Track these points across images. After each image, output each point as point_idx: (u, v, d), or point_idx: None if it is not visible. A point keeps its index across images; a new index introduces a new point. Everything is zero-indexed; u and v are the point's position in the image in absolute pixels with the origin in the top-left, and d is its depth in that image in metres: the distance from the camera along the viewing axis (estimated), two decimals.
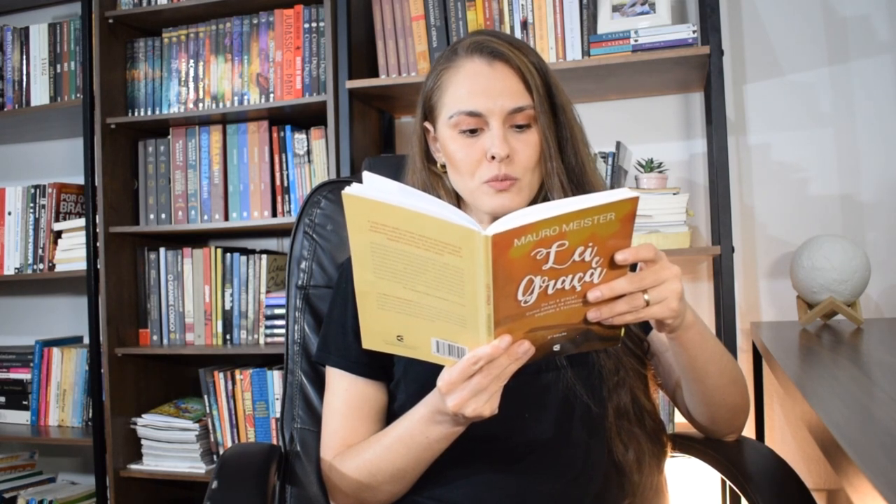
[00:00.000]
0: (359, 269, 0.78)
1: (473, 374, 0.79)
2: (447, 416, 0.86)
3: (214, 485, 1.00)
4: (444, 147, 1.04)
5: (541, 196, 1.06)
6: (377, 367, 1.05)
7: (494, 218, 1.04)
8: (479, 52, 1.02)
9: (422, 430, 0.92)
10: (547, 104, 1.01)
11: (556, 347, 0.82)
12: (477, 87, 1.01)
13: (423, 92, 1.09)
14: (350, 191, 0.72)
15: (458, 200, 1.10)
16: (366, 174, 0.77)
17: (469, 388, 0.80)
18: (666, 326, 0.87)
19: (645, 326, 1.07)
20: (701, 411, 1.03)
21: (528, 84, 1.00)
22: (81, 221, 2.26)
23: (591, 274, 0.77)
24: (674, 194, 1.83)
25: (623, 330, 0.83)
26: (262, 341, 2.13)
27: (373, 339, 0.83)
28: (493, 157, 0.99)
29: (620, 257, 0.77)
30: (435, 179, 1.10)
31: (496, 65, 1.01)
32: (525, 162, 1.01)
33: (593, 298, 0.78)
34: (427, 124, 1.09)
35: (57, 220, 2.34)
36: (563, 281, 0.76)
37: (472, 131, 1.01)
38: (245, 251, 2.21)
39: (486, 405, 0.81)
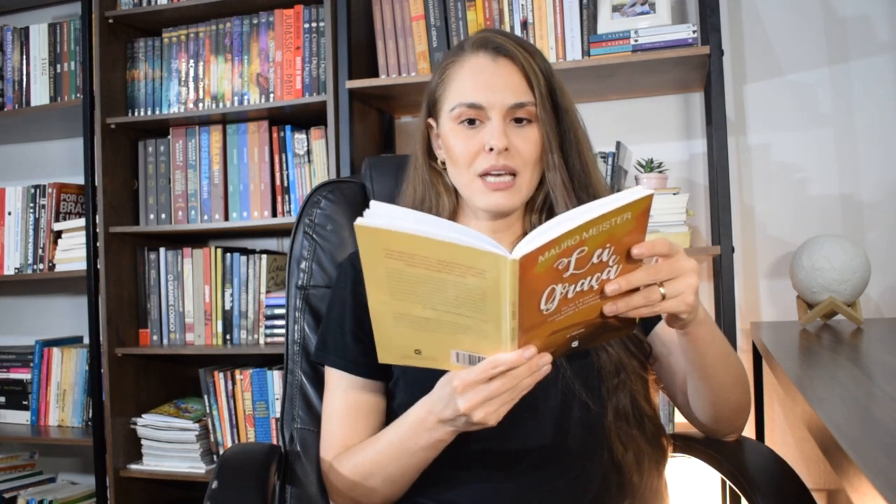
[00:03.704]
0: (374, 291, 0.77)
1: (492, 379, 0.79)
2: (445, 421, 0.86)
3: (214, 485, 1.00)
4: (445, 140, 1.05)
5: (541, 195, 1.06)
6: (376, 367, 1.05)
7: (489, 214, 1.05)
8: (483, 48, 1.04)
9: (411, 437, 0.92)
10: (549, 104, 1.02)
11: (575, 344, 0.83)
12: (480, 80, 1.02)
13: (429, 88, 1.10)
14: (362, 222, 0.72)
15: (456, 197, 1.11)
16: (373, 202, 0.76)
17: (485, 392, 0.80)
18: (679, 321, 0.86)
19: (646, 328, 1.07)
20: (705, 410, 1.02)
21: (531, 82, 1.01)
22: (81, 221, 2.26)
23: (608, 272, 0.77)
24: (674, 194, 1.83)
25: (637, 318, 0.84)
26: (262, 341, 2.12)
27: (389, 353, 0.83)
28: (490, 150, 0.99)
29: (636, 251, 0.77)
30: (435, 176, 1.11)
31: (500, 60, 1.02)
32: (524, 156, 1.01)
33: (611, 292, 0.78)
34: (431, 121, 1.10)
35: (57, 220, 2.34)
36: (582, 283, 0.76)
37: (472, 122, 1.02)
38: (245, 251, 2.21)
39: (494, 413, 0.81)
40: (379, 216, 0.74)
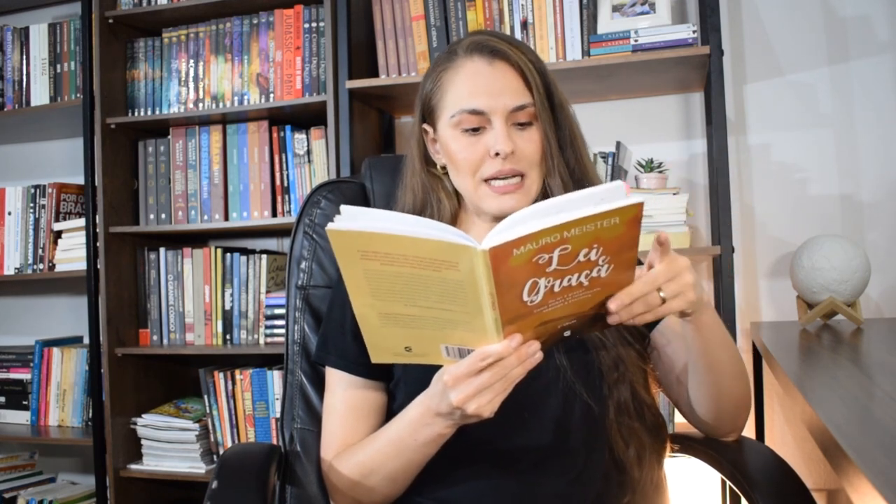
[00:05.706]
0: (355, 294, 0.78)
1: (481, 371, 0.80)
2: (442, 415, 0.86)
3: (214, 485, 1.00)
4: (446, 147, 1.05)
5: (541, 192, 1.06)
6: (376, 367, 1.04)
7: (498, 218, 1.05)
8: (478, 52, 1.03)
9: (411, 433, 0.92)
10: (547, 102, 1.02)
11: (567, 333, 0.84)
12: (478, 86, 1.01)
13: (422, 94, 1.09)
14: (334, 226, 0.73)
15: (458, 201, 1.10)
16: (343, 207, 0.77)
17: (475, 384, 0.80)
18: (685, 315, 0.88)
19: (650, 323, 1.07)
20: (707, 404, 1.02)
21: (529, 82, 1.01)
22: (81, 221, 2.26)
23: (598, 270, 0.77)
24: (674, 194, 1.83)
25: None
26: (262, 341, 2.12)
27: (381, 353, 0.84)
28: (496, 154, 1.00)
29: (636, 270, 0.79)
30: (434, 181, 1.10)
31: (496, 63, 1.02)
32: (529, 157, 1.02)
33: (615, 308, 0.80)
34: (426, 126, 1.09)
35: (57, 220, 2.34)
36: (570, 279, 0.77)
37: (475, 130, 1.02)
38: (245, 251, 2.21)
39: (488, 405, 0.81)
40: (350, 219, 0.75)
